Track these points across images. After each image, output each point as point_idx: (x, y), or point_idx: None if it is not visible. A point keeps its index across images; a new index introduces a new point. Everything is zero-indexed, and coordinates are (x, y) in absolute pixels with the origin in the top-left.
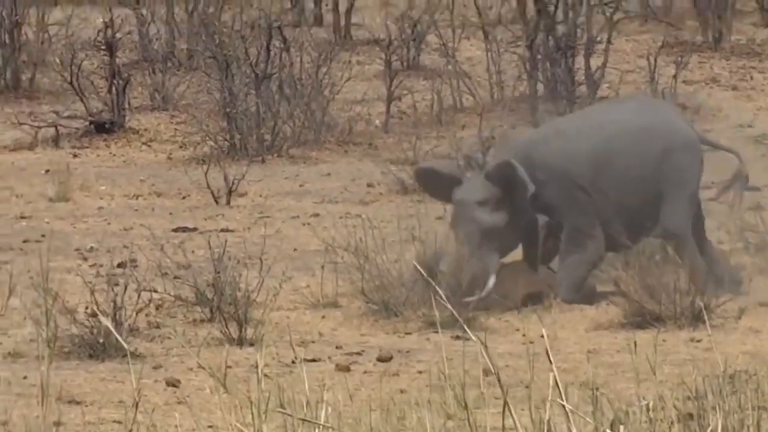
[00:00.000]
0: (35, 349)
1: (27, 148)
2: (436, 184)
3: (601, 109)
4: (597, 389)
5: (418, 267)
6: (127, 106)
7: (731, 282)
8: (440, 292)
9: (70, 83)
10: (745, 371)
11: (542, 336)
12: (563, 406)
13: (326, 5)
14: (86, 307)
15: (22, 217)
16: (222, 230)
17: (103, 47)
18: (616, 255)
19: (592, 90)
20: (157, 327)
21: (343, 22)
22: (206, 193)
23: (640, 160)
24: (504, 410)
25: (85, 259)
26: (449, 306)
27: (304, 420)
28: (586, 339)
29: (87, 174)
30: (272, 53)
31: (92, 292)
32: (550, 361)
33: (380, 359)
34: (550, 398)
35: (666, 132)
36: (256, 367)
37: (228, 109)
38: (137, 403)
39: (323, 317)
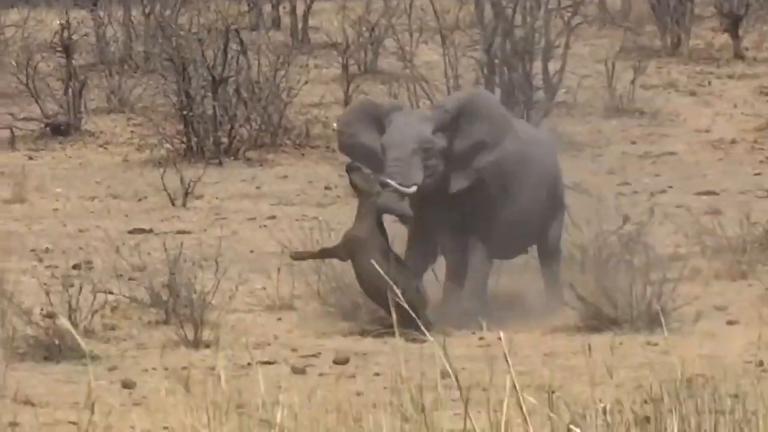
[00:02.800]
0: None
1: None
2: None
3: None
4: (553, 392)
5: (377, 267)
6: (83, 108)
7: None
8: (398, 293)
9: (26, 85)
10: (701, 375)
11: (499, 339)
12: (520, 408)
13: (284, 8)
14: (41, 309)
15: None
16: (178, 232)
17: (60, 49)
18: (572, 259)
19: (550, 95)
20: (113, 329)
21: (300, 26)
22: (162, 195)
23: (551, 171)
24: (465, 413)
25: (41, 260)
26: (407, 308)
27: (262, 421)
28: (543, 342)
29: (42, 176)
30: (229, 56)
31: (47, 294)
32: (508, 363)
33: (336, 361)
34: (507, 400)
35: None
36: (212, 369)
37: (184, 112)
38: (93, 405)
39: (279, 319)
